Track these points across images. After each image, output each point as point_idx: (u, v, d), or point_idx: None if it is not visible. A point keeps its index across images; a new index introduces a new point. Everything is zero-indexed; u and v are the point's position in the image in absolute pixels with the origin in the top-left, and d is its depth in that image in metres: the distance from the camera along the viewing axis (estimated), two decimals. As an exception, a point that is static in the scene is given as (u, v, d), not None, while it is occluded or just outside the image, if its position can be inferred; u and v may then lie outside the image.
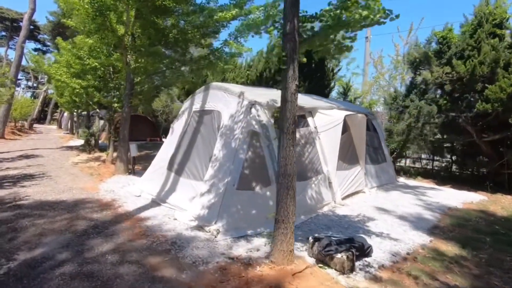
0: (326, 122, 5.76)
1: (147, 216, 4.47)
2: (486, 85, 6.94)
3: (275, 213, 3.06)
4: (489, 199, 6.66)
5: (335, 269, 3.02)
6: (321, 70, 11.29)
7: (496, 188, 7.31)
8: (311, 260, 3.23)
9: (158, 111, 18.36)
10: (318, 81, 11.12)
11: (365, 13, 2.75)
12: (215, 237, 3.71)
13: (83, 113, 16.47)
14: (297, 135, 4.03)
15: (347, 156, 6.28)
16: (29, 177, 6.77)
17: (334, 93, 12.58)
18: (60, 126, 29.90)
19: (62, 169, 8.07)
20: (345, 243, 3.19)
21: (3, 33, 33.28)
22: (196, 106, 5.57)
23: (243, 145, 4.34)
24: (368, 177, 6.73)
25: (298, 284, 2.74)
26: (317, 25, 3.13)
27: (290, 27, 2.78)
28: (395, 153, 9.77)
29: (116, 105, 9.48)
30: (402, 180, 8.55)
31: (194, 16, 7.18)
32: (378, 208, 5.40)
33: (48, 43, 32.52)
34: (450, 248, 3.77)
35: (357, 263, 3.13)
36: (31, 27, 22.75)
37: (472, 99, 7.62)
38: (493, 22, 7.28)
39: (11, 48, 32.73)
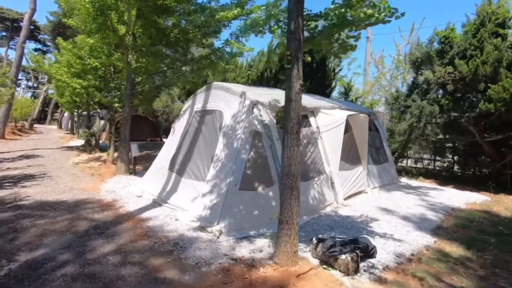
0: (328, 122, 5.73)
1: (148, 216, 4.44)
2: (489, 85, 6.90)
3: (279, 214, 3.03)
4: (492, 199, 6.63)
5: (340, 270, 2.99)
6: (322, 70, 11.25)
7: (498, 189, 7.27)
8: (315, 261, 3.20)
9: (158, 111, 18.32)
10: (319, 81, 11.09)
11: (370, 11, 2.72)
12: (218, 238, 3.68)
13: (83, 113, 16.45)
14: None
15: (349, 156, 6.25)
16: (30, 177, 6.75)
17: (335, 93, 12.55)
18: (60, 126, 29.88)
19: (63, 169, 8.04)
20: (349, 244, 3.15)
21: (4, 33, 33.28)
22: (198, 106, 5.53)
23: (245, 145, 4.30)
24: (370, 178, 6.71)
25: (302, 286, 2.71)
26: (320, 24, 3.09)
27: (294, 25, 2.75)
28: (396, 153, 9.74)
29: (117, 105, 9.45)
30: (404, 180, 8.51)
31: (196, 16, 7.15)
32: (381, 209, 5.37)
33: (49, 43, 32.52)
34: (454, 249, 3.74)
35: (361, 264, 3.10)
36: (32, 27, 22.73)
37: (474, 99, 7.58)
38: (496, 22, 7.25)
39: (11, 48, 32.71)
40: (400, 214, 5.12)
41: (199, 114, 5.46)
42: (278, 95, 5.00)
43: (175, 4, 6.63)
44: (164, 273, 2.86)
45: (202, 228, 3.94)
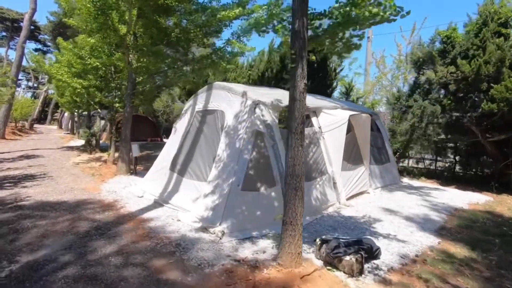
0: (330, 122, 5.70)
1: (150, 217, 4.41)
2: (492, 84, 6.87)
3: (283, 215, 2.99)
4: (495, 200, 6.60)
5: (344, 272, 2.96)
6: (323, 70, 11.21)
7: (501, 189, 7.23)
8: (319, 263, 3.17)
9: (159, 111, 18.29)
10: (320, 81, 11.05)
11: (375, 10, 2.69)
12: (220, 238, 3.64)
13: (83, 113, 16.42)
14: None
15: (352, 157, 6.22)
16: (30, 177, 6.71)
17: (336, 93, 12.52)
18: (60, 126, 29.86)
19: (63, 169, 8.01)
20: (354, 245, 3.12)
21: (4, 34, 33.27)
22: (199, 106, 5.50)
23: (247, 145, 4.27)
24: (372, 178, 6.68)
25: (306, 288, 2.68)
26: (325, 22, 3.06)
27: (299, 24, 2.71)
28: (398, 153, 9.71)
29: (117, 105, 9.42)
30: (405, 180, 8.48)
31: (197, 15, 7.12)
32: (384, 209, 5.34)
33: (49, 43, 32.50)
34: (459, 250, 3.71)
35: (365, 266, 3.06)
36: (32, 27, 22.68)
37: (477, 99, 7.55)
38: (499, 21, 7.21)
39: (11, 48, 32.69)
40: (403, 214, 5.09)
41: (200, 114, 5.43)
42: (279, 95, 4.97)
43: (176, 3, 6.60)
44: (166, 274, 2.83)
45: (204, 229, 3.90)
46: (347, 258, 2.95)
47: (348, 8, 2.76)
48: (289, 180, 2.90)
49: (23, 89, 40.23)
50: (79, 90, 9.16)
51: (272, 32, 3.38)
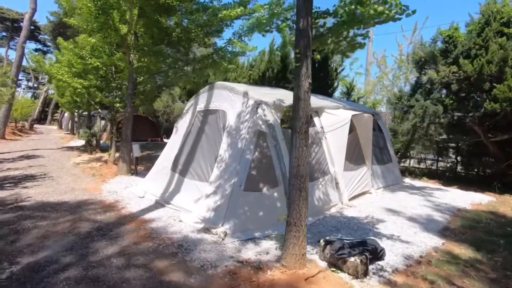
0: (332, 122, 5.67)
1: (151, 217, 4.38)
2: (494, 84, 6.84)
3: (287, 216, 2.96)
4: (498, 200, 6.56)
5: (348, 273, 2.93)
6: (325, 70, 11.19)
7: (503, 189, 7.20)
8: (323, 264, 3.13)
9: (159, 111, 18.27)
10: (321, 80, 11.02)
11: (380, 8, 2.66)
12: (223, 239, 3.61)
13: (84, 113, 16.38)
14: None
15: (354, 157, 6.19)
16: (31, 177, 6.68)
17: (337, 93, 12.49)
18: (60, 127, 29.82)
19: (64, 169, 7.97)
20: (358, 246, 3.09)
21: (4, 34, 33.24)
22: (201, 106, 5.47)
23: (249, 145, 4.24)
24: (374, 178, 6.64)
25: (311, 289, 2.64)
26: (329, 21, 3.03)
27: (303, 23, 2.68)
28: (399, 153, 9.67)
29: (118, 105, 9.38)
30: (407, 180, 8.45)
31: (198, 15, 7.08)
32: (386, 209, 5.31)
33: (49, 44, 32.48)
34: (463, 251, 3.68)
35: (370, 267, 3.03)
36: (32, 27, 22.64)
37: (479, 98, 7.52)
38: (501, 21, 7.19)
39: (11, 48, 32.66)
40: (406, 215, 5.05)
41: (202, 114, 5.40)
42: (281, 95, 4.94)
43: (178, 3, 6.57)
44: (169, 276, 2.80)
45: (206, 230, 3.87)
46: (352, 259, 2.92)
47: (353, 7, 2.73)
48: (293, 180, 2.87)
49: (23, 89, 40.23)
50: (79, 90, 9.12)
51: (275, 31, 3.34)
